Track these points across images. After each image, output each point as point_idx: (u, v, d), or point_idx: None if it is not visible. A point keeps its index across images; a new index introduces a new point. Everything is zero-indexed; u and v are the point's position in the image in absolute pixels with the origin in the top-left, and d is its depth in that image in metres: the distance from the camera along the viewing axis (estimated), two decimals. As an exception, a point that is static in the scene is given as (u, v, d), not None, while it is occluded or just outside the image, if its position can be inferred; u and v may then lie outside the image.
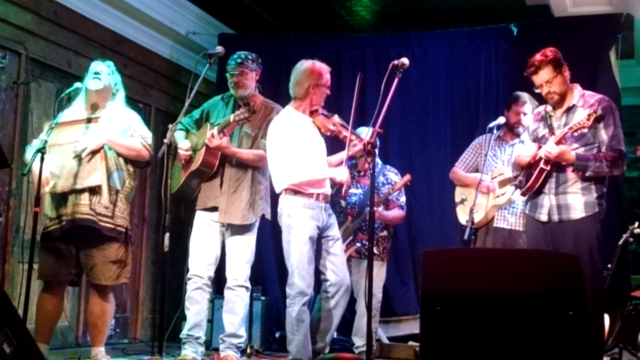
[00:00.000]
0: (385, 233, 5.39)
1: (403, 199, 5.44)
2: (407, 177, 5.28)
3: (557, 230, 4.05)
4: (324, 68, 4.60)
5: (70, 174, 4.28)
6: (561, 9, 6.28)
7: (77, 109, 4.48)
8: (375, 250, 5.30)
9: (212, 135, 4.55)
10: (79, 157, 4.28)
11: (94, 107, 4.48)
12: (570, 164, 3.98)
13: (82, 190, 4.28)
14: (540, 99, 4.33)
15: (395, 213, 5.38)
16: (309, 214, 4.41)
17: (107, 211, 4.31)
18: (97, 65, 4.52)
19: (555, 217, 4.06)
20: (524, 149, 4.23)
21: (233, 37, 7.06)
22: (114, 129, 4.41)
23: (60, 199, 4.32)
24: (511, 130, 5.16)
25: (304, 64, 4.59)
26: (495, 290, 2.92)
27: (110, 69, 4.54)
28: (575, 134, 3.97)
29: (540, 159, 4.06)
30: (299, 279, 4.35)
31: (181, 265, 4.99)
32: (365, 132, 5.33)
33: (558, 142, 3.97)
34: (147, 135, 4.55)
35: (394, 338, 5.95)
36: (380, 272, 5.31)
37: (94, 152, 4.30)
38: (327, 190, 4.59)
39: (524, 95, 5.12)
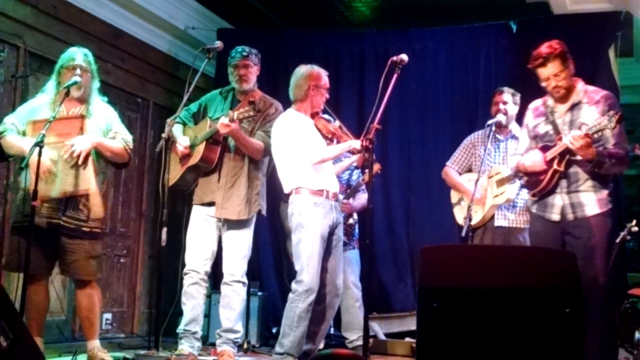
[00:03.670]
0: (351, 221, 5.45)
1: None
2: (377, 166, 5.19)
3: (571, 228, 3.96)
4: (322, 71, 4.62)
5: (63, 178, 4.24)
6: (561, 6, 6.28)
7: (54, 105, 4.33)
8: (345, 239, 5.32)
9: (225, 125, 4.44)
10: (74, 162, 4.23)
11: (72, 104, 4.38)
12: (588, 160, 3.86)
13: (68, 195, 4.25)
14: (543, 94, 4.27)
15: (362, 200, 5.40)
16: (321, 212, 4.39)
17: (85, 215, 4.31)
18: (76, 57, 4.38)
19: (570, 216, 3.97)
20: (529, 157, 4.10)
21: (232, 32, 7.04)
22: (98, 129, 4.39)
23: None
24: (500, 126, 5.12)
25: (303, 68, 4.61)
26: (492, 287, 2.92)
27: (88, 58, 4.42)
28: (596, 135, 3.83)
29: (552, 160, 3.97)
30: (308, 277, 4.32)
31: (178, 259, 4.98)
32: None
33: (584, 136, 3.81)
34: (129, 138, 4.54)
35: (390, 334, 5.94)
36: (357, 260, 5.34)
37: (86, 156, 4.27)
38: (336, 187, 4.59)
39: (502, 88, 5.16)
